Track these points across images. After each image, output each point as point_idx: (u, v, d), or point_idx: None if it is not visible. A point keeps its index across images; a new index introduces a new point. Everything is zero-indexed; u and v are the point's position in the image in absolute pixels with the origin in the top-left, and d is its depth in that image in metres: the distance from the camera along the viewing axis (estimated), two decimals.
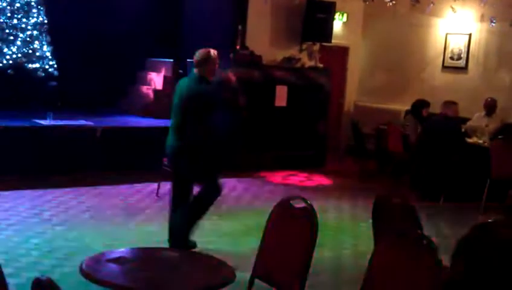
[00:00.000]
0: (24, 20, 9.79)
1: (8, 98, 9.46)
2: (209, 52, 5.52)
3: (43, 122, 8.69)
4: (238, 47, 10.09)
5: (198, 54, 5.54)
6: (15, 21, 9.72)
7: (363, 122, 10.35)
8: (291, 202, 3.71)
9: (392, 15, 11.18)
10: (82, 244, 5.72)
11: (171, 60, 10.62)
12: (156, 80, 10.73)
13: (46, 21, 9.97)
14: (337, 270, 5.68)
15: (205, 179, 5.51)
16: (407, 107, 9.94)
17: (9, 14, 9.69)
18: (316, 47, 11.09)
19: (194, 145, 5.42)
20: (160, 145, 8.47)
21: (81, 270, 3.25)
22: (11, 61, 9.60)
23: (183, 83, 5.62)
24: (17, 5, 9.74)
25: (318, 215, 3.54)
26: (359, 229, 6.89)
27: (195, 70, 5.54)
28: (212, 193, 5.50)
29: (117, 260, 3.38)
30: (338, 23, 11.69)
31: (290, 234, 3.62)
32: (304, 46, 11.00)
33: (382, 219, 3.99)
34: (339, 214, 7.71)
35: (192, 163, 5.44)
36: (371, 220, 4.08)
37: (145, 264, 3.49)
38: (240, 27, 10.22)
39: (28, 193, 7.35)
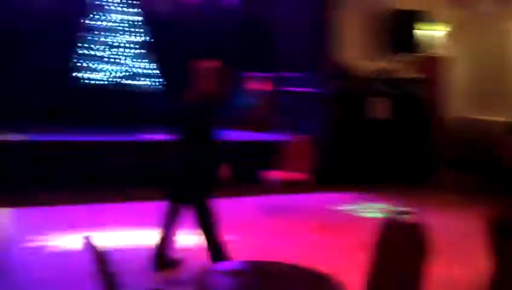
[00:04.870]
0: (130, 38, 10.26)
1: (115, 114, 9.92)
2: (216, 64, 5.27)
3: (148, 137, 9.04)
4: (329, 59, 10.05)
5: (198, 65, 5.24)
6: (121, 39, 10.19)
7: (464, 134, 10.05)
8: (399, 216, 3.67)
9: (491, 23, 10.85)
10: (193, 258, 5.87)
11: (266, 74, 10.78)
12: (252, 94, 10.91)
13: (150, 39, 10.40)
14: (449, 289, 5.53)
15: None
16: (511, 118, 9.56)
17: (115, 34, 10.19)
18: (412, 58, 10.89)
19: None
20: (257, 158, 8.63)
21: (195, 282, 3.35)
22: (117, 79, 10.06)
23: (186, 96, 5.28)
24: (124, 24, 10.22)
25: (427, 231, 3.48)
26: (471, 246, 6.65)
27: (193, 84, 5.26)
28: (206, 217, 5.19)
29: (227, 273, 3.47)
30: (435, 33, 11.45)
31: (400, 251, 3.56)
32: (399, 57, 10.83)
33: (506, 237, 3.81)
34: (449, 229, 7.50)
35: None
36: (484, 237, 3.95)
37: (255, 277, 3.56)
38: (331, 39, 10.20)
39: (132, 205, 7.64)
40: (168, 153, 5.27)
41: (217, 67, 5.26)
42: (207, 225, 5.18)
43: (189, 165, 5.11)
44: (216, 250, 5.17)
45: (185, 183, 5.15)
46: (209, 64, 5.26)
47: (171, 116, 5.31)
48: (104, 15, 10.18)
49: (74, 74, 10.02)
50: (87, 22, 10.09)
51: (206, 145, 5.08)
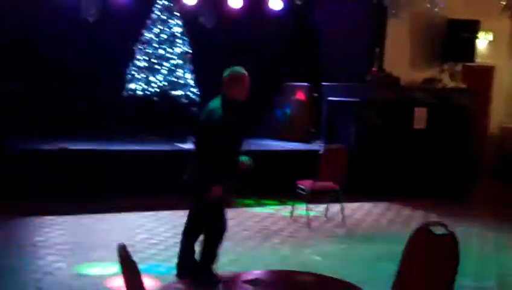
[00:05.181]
0: (169, 50, 10.32)
1: (153, 123, 9.99)
2: (242, 71, 5.15)
3: (184, 146, 9.07)
4: (374, 69, 9.96)
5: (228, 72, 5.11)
6: (161, 51, 10.27)
7: (507, 144, 9.77)
8: (430, 228, 3.54)
9: None
10: (219, 266, 5.83)
11: (307, 84, 10.70)
12: (291, 103, 10.84)
13: (189, 50, 10.46)
14: None
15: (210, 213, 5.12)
16: None
17: (155, 45, 10.27)
18: (458, 67, 10.68)
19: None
20: (293, 168, 8.56)
21: None
22: (157, 89, 10.13)
23: (210, 104, 5.14)
24: (163, 36, 10.30)
25: (460, 243, 3.35)
26: (505, 257, 6.44)
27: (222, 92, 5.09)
28: (217, 232, 5.14)
29: (253, 282, 3.40)
30: (482, 42, 11.21)
31: (430, 262, 3.45)
32: (445, 67, 10.62)
33: None
34: (483, 241, 7.28)
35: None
36: None
37: (280, 287, 3.48)
38: (377, 49, 10.09)
39: (167, 214, 7.64)
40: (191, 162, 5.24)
41: (242, 75, 5.19)
42: (211, 235, 5.12)
43: (204, 174, 5.01)
44: (206, 262, 5.11)
45: (201, 191, 5.03)
46: (235, 72, 5.21)
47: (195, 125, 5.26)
48: (149, 27, 10.29)
49: (127, 85, 10.16)
50: (140, 33, 10.25)
51: (225, 155, 4.96)
